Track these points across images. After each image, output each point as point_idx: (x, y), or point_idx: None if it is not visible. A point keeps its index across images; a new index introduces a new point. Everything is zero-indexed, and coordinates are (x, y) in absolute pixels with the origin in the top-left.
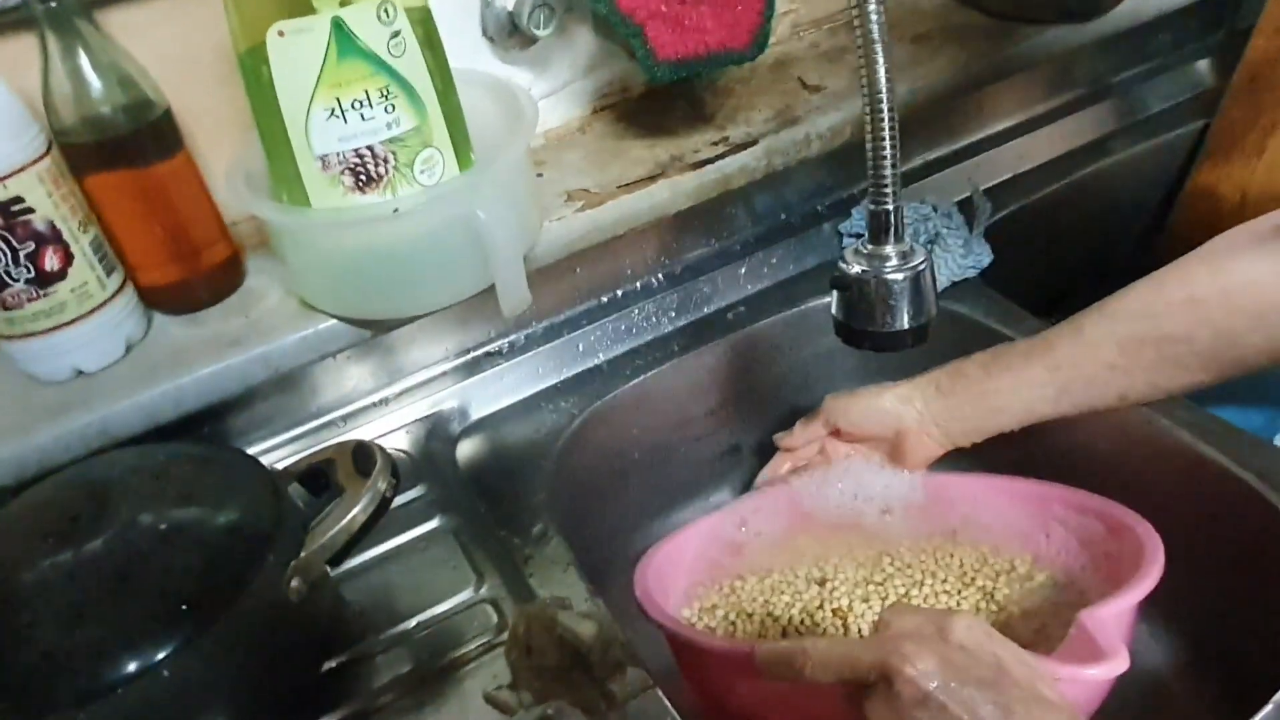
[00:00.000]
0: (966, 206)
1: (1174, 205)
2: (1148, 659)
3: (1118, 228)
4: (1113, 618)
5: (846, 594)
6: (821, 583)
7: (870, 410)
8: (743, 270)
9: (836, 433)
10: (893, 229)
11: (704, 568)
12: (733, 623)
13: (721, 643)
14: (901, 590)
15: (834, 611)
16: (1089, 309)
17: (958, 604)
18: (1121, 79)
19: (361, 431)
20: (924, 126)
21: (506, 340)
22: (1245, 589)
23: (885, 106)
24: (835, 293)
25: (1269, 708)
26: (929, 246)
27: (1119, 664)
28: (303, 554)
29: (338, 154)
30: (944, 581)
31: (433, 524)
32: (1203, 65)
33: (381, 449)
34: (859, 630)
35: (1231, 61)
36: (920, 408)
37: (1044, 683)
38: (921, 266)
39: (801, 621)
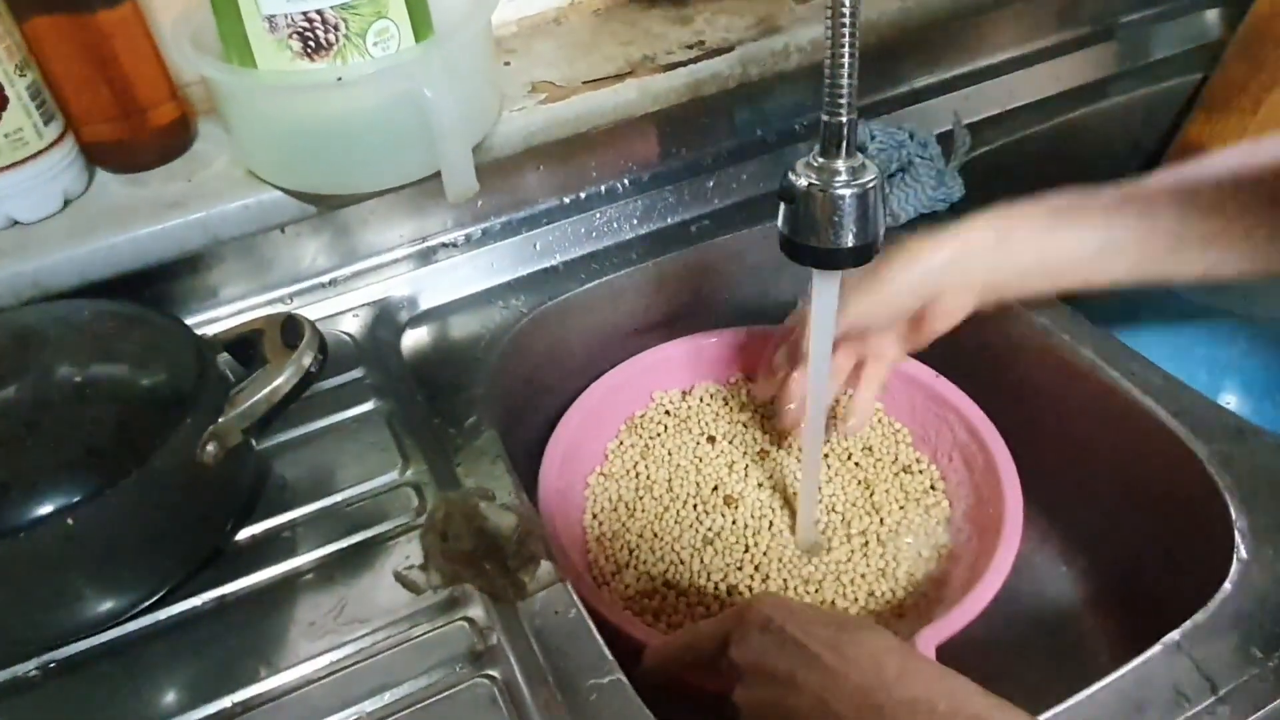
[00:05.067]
0: (947, 139)
1: (1160, 160)
2: (1058, 593)
3: (1102, 177)
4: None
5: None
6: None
7: (901, 300)
8: (711, 184)
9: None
10: (845, 142)
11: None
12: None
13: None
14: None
15: (725, 500)
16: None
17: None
18: (1128, 20)
19: (307, 311)
20: (916, 50)
21: (463, 232)
22: (1154, 528)
23: (848, 11)
24: (781, 205)
25: (1157, 647)
26: (900, 175)
27: None
28: (220, 420)
29: (286, 16)
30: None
31: (367, 406)
32: (1212, 15)
33: (311, 323)
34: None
35: (1240, 13)
36: (976, 264)
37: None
38: (871, 184)
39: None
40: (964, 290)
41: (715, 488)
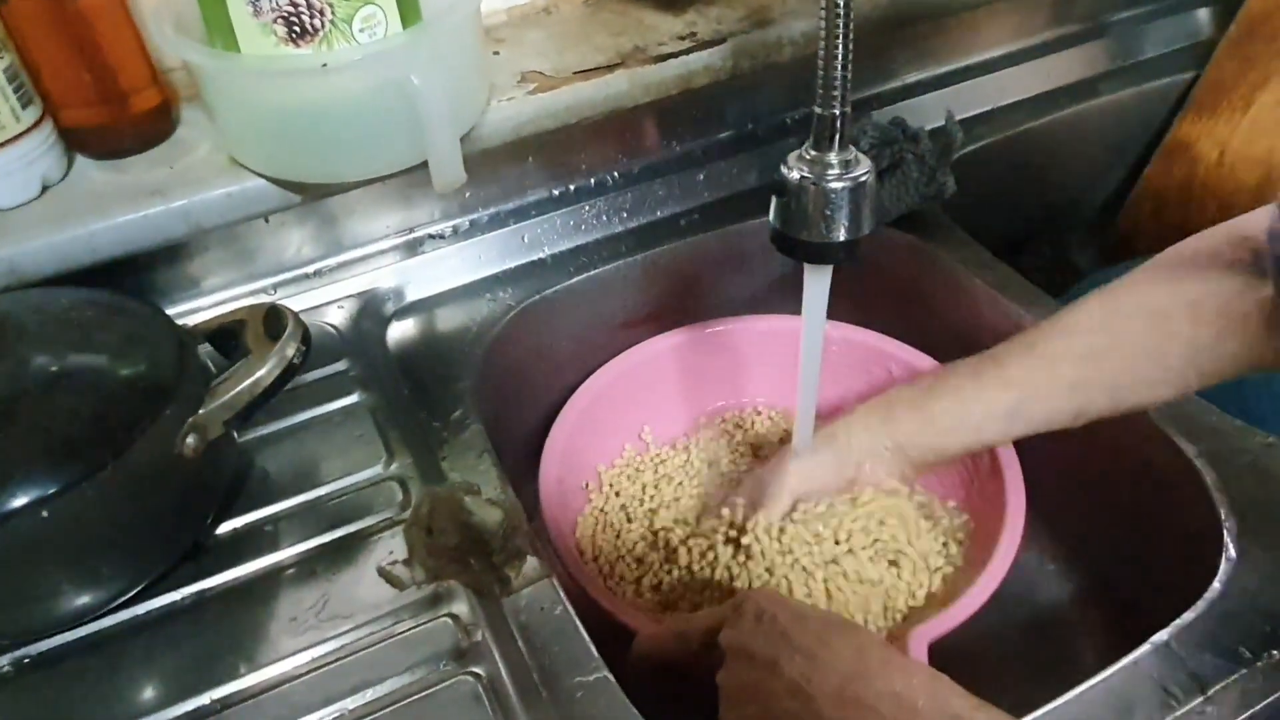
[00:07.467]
0: (939, 135)
1: (1151, 158)
2: (1046, 591)
3: (1091, 175)
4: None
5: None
6: None
7: (820, 482)
8: (701, 177)
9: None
10: (837, 135)
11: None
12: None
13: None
14: None
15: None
16: (1038, 325)
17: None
18: (1120, 18)
19: (291, 302)
20: (907, 46)
21: (450, 224)
22: (1143, 527)
23: (841, 2)
24: (773, 198)
25: (1145, 647)
26: (891, 171)
27: None
28: (201, 411)
29: (270, 0)
30: None
31: (352, 399)
32: (1203, 14)
33: (294, 314)
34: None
35: (1231, 12)
36: (876, 443)
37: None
38: (863, 178)
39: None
40: (886, 458)
41: (718, 485)
